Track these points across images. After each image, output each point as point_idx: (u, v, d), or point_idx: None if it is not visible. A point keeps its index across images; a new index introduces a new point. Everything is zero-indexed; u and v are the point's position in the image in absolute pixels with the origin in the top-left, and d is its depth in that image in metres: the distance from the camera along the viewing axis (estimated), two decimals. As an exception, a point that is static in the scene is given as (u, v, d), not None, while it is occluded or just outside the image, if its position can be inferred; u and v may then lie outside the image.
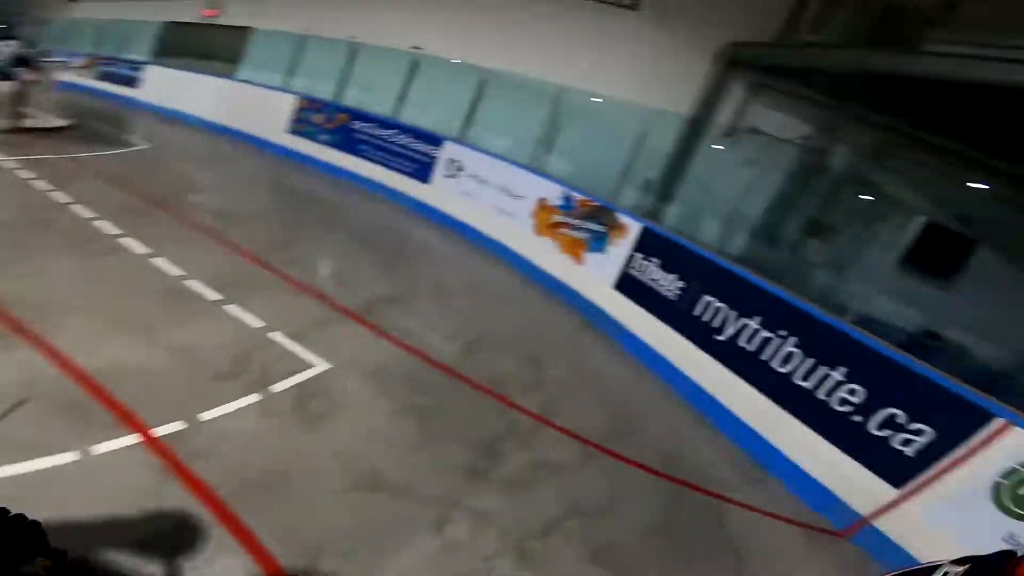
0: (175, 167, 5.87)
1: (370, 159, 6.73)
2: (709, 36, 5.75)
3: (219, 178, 5.95)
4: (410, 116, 6.93)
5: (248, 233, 4.09)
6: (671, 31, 6.11)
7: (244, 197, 5.45)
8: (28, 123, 5.85)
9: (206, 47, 9.74)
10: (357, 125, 6.85)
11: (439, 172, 6.25)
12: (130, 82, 10.00)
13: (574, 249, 4.90)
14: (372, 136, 6.72)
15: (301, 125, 7.28)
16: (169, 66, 9.66)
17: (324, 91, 7.61)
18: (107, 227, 3.46)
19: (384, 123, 6.75)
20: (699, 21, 5.91)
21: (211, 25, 10.03)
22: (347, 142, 6.88)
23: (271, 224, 4.72)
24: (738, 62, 5.57)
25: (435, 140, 6.34)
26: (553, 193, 5.17)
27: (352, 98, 7.47)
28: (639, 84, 6.06)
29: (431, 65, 7.12)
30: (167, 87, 9.31)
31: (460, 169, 6.09)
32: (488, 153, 5.92)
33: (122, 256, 3.14)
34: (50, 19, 14.67)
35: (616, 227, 4.53)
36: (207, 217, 4.23)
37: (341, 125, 6.93)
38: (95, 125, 6.82)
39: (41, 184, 4.02)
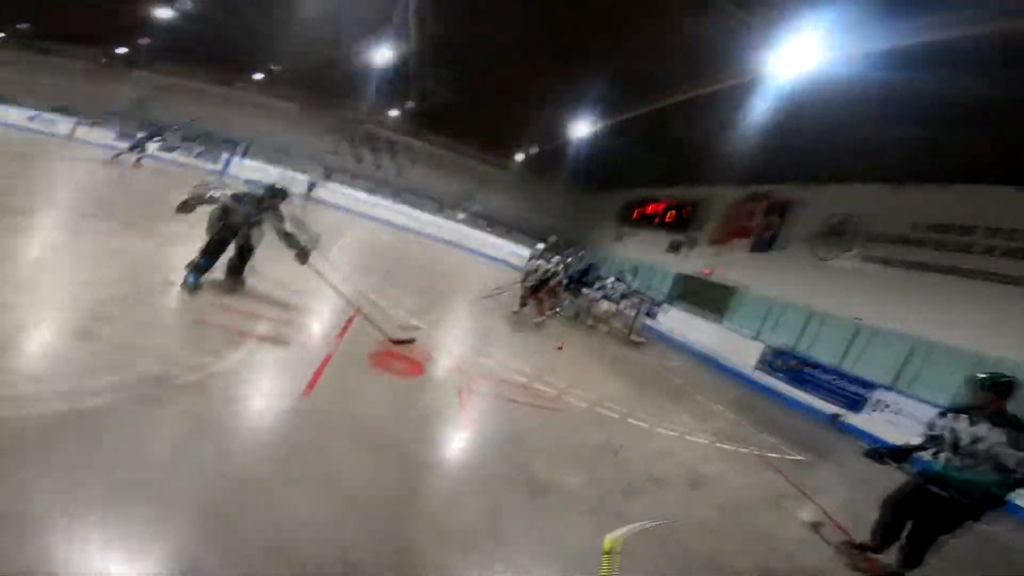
0: (686, 380, 11.24)
1: (813, 393, 10.32)
2: None
3: (709, 387, 10.91)
4: (850, 367, 10.26)
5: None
6: None
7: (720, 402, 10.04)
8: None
9: (704, 297, 16.19)
10: (806, 369, 10.70)
11: (868, 407, 9.19)
12: (653, 315, 17.47)
13: None
14: (815, 378, 10.38)
15: (767, 364, 11.73)
16: (678, 307, 16.55)
17: (785, 341, 11.98)
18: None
19: (829, 370, 10.32)
20: None
21: (709, 282, 16.59)
22: (798, 378, 10.78)
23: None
24: None
25: (869, 385, 9.40)
26: None
27: (804, 348, 11.49)
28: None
29: (872, 333, 10.39)
30: (676, 321, 15.96)
31: (885, 406, 8.89)
32: (913, 397, 8.49)
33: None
34: (598, 249, 25.15)
35: None
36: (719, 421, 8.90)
37: (795, 368, 10.95)
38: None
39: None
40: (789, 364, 11.15)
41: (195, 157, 22.17)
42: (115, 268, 4.86)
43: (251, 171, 22.06)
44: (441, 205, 26.52)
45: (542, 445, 4.09)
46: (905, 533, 3.56)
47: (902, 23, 6.59)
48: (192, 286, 4.69)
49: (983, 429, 3.31)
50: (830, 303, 11.88)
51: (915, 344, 9.51)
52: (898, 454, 3.67)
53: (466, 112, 20.10)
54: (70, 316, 3.49)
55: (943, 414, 3.63)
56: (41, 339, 3.09)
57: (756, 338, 12.71)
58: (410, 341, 5.16)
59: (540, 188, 27.11)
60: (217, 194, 4.90)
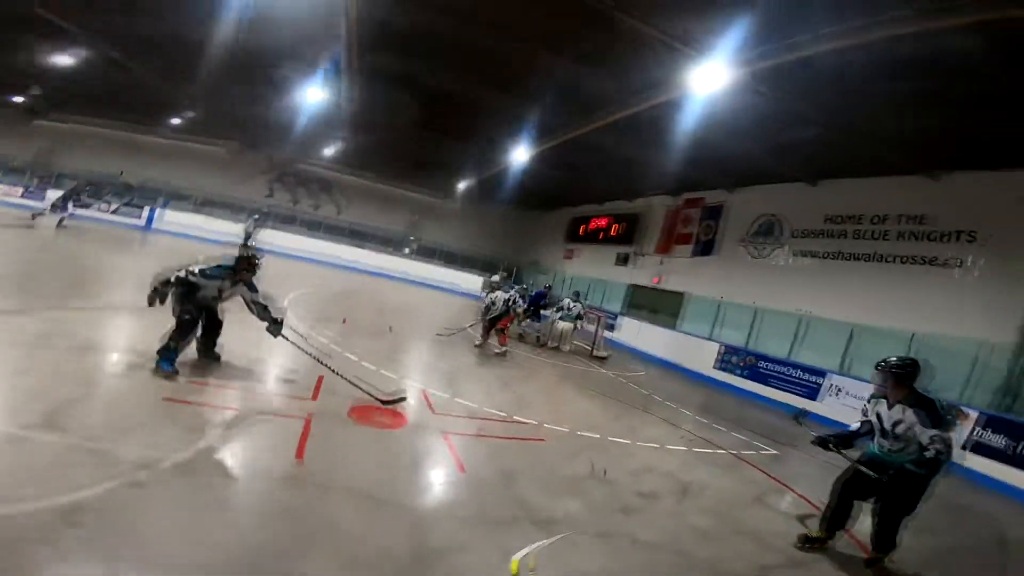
0: (652, 388, 11.62)
1: (772, 386, 10.93)
2: None
3: (675, 395, 11.33)
4: (800, 357, 10.97)
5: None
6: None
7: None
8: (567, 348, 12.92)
9: (656, 305, 16.85)
10: (762, 364, 11.33)
11: (824, 393, 9.82)
12: (612, 327, 17.99)
13: None
14: (773, 372, 11.01)
15: (724, 363, 12.32)
16: (633, 317, 17.12)
17: (738, 340, 12.65)
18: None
19: (782, 362, 10.97)
20: None
21: (659, 289, 17.30)
22: (756, 374, 11.38)
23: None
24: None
25: (820, 372, 10.06)
26: None
27: (758, 345, 12.17)
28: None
29: (815, 321, 11.16)
30: (633, 331, 16.50)
31: (839, 391, 9.54)
32: (859, 378, 9.17)
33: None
34: (548, 269, 25.77)
35: (961, 415, 7.43)
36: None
37: (751, 364, 11.57)
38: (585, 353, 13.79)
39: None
40: (745, 360, 11.77)
41: (115, 213, 20.91)
42: (69, 350, 4.58)
43: (182, 223, 21.18)
44: (386, 241, 26.31)
45: (534, 477, 4.16)
46: (874, 520, 3.67)
47: (796, 39, 7.35)
48: (170, 372, 4.40)
49: (899, 411, 3.50)
50: (772, 298, 12.72)
51: (855, 328, 10.31)
52: (842, 441, 3.84)
53: (403, 145, 20.21)
54: (34, 408, 3.30)
55: (870, 400, 3.78)
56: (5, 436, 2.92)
57: (710, 339, 13.33)
58: (401, 399, 5.11)
59: (485, 214, 27.44)
60: (183, 273, 4.61)
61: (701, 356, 13.00)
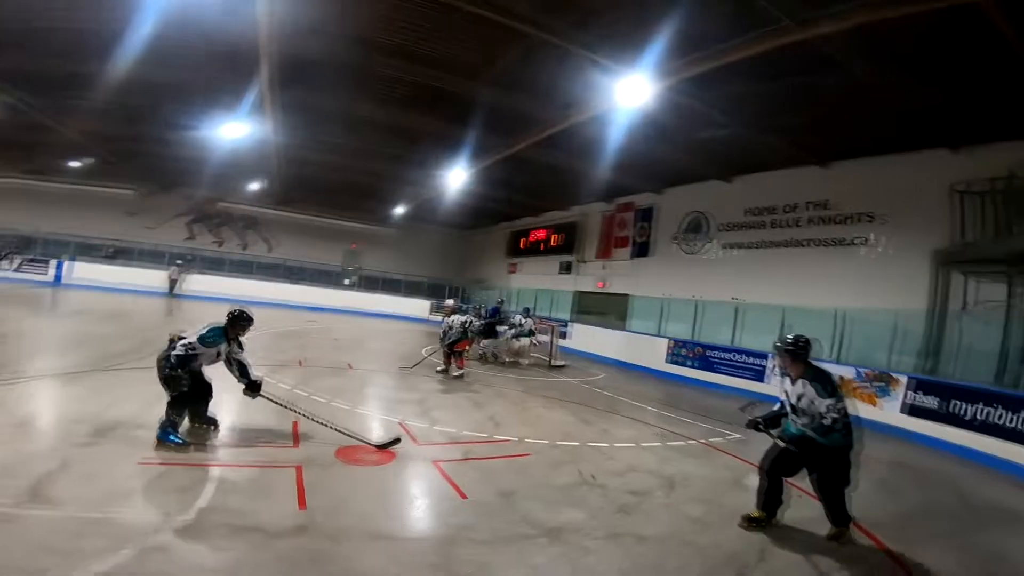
0: (614, 390, 12.07)
1: (721, 373, 11.68)
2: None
3: (636, 393, 11.83)
4: (742, 342, 11.81)
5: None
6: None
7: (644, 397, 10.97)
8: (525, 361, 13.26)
9: (604, 308, 17.50)
10: (709, 353, 12.08)
11: (771, 375, 10.63)
12: (564, 336, 18.44)
13: (871, 399, 8.41)
14: (721, 359, 11.78)
15: (675, 357, 13.01)
16: (584, 323, 17.67)
17: (684, 333, 13.41)
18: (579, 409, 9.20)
19: (727, 349, 11.76)
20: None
21: (604, 293, 17.97)
22: (706, 363, 12.12)
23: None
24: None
25: (763, 355, 10.89)
26: (849, 371, 8.95)
27: (704, 336, 12.97)
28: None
29: (749, 308, 12.07)
30: (585, 337, 17.01)
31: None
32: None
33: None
34: (494, 286, 25.95)
35: (893, 381, 8.07)
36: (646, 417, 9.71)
37: (700, 355, 12.31)
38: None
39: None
40: (694, 352, 12.50)
41: (17, 270, 19.04)
42: (18, 426, 4.31)
43: (94, 276, 19.59)
44: (325, 275, 25.58)
45: (530, 492, 4.30)
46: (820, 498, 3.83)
47: (704, 52, 8.09)
48: (180, 443, 4.25)
49: (800, 386, 3.74)
50: (709, 290, 13.61)
51: (786, 310, 11.25)
52: (770, 422, 4.00)
53: (332, 175, 19.85)
54: (13, 485, 3.19)
55: (781, 377, 4.00)
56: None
57: (659, 335, 14.03)
58: (396, 442, 5.07)
59: (424, 238, 27.38)
60: (182, 350, 4.36)
61: (653, 352, 13.65)
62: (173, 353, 4.33)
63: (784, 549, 3.64)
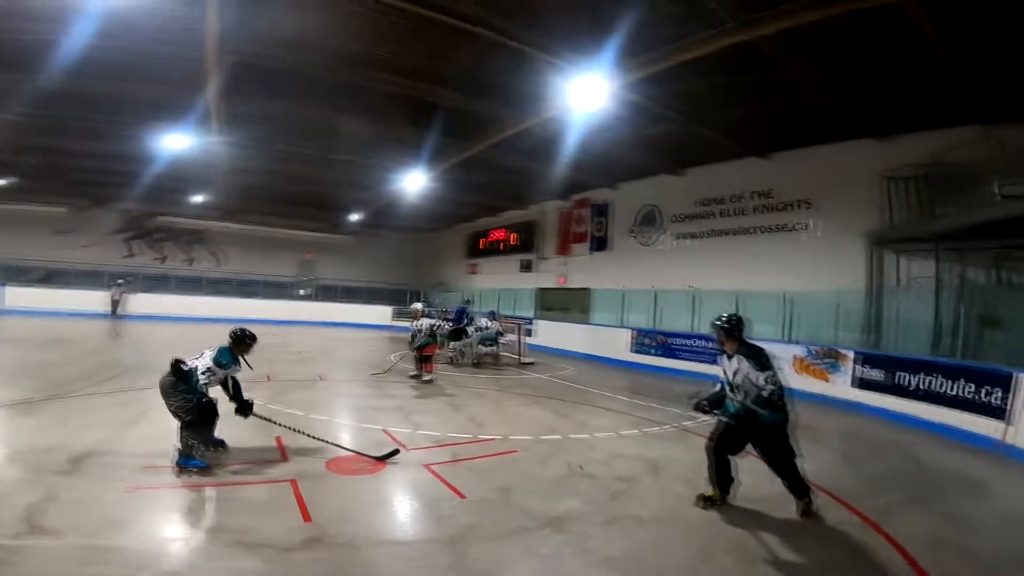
0: (583, 383, 12.37)
1: (683, 359, 12.20)
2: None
3: (605, 384, 12.17)
4: (700, 328, 12.38)
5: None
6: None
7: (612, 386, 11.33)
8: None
9: (566, 304, 17.84)
10: (671, 341, 12.59)
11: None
12: (530, 333, 18.62)
13: (822, 375, 9.02)
14: (682, 346, 12.30)
15: (638, 346, 13.47)
16: (548, 319, 17.94)
17: (645, 323, 13.89)
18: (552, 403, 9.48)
19: (687, 335, 12.30)
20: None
21: (566, 289, 18.32)
22: (668, 351, 12.62)
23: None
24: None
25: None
26: (800, 350, 9.55)
27: (663, 324, 13.49)
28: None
29: (704, 295, 12.66)
30: (550, 332, 17.29)
31: None
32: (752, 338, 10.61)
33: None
34: (455, 288, 25.67)
35: (841, 356, 8.69)
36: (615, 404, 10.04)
37: (662, 343, 12.80)
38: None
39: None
40: (655, 340, 12.98)
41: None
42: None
43: (28, 301, 18.23)
44: (279, 286, 24.78)
45: (525, 487, 4.43)
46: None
47: (656, 53, 8.45)
48: (204, 467, 4.22)
49: (736, 362, 3.88)
50: (666, 280, 14.16)
51: (738, 295, 11.85)
52: (714, 403, 4.12)
53: (283, 184, 19.27)
54: (5, 518, 3.10)
55: (720, 356, 4.11)
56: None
57: (621, 326, 14.47)
58: (395, 453, 5.03)
59: (381, 244, 27.00)
60: (205, 379, 4.34)
61: (616, 343, 14.08)
62: (202, 383, 4.28)
63: (779, 514, 3.91)
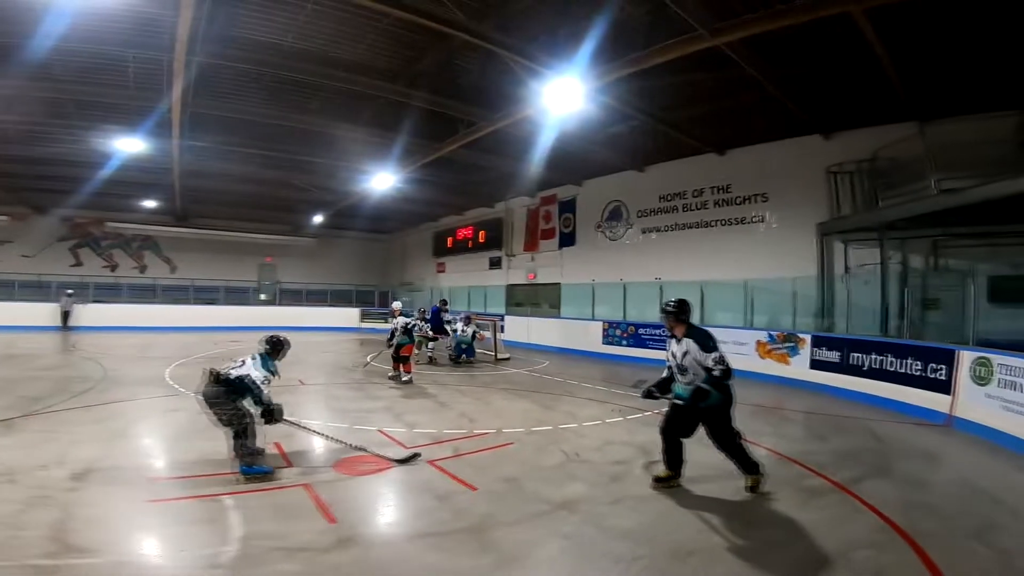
0: (561, 375, 12.70)
1: (653, 348, 12.71)
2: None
3: (583, 375, 12.53)
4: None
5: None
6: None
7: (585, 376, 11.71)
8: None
9: (537, 299, 18.14)
10: (640, 331, 13.09)
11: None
12: (504, 330, 18.82)
13: (783, 359, 9.66)
14: (651, 335, 12.81)
15: (609, 338, 13.91)
16: (519, 315, 18.21)
17: (615, 315, 14.36)
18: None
19: (656, 326, 12.81)
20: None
21: (536, 284, 18.62)
22: (638, 341, 13.11)
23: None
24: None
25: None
26: (763, 336, 10.17)
27: (632, 316, 13.98)
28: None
29: (671, 286, 13.21)
30: (522, 328, 17.56)
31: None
32: (718, 326, 11.20)
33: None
34: (422, 288, 25.06)
35: (800, 340, 9.29)
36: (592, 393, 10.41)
37: (632, 333, 13.28)
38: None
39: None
40: (626, 331, 13.46)
41: None
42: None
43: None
44: (240, 292, 23.99)
45: (531, 475, 4.66)
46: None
47: (627, 57, 8.79)
48: (268, 472, 4.32)
49: (684, 345, 4.04)
50: (633, 272, 14.68)
51: (703, 285, 12.46)
52: (662, 388, 4.28)
53: (241, 187, 18.69)
54: (31, 538, 3.05)
55: (668, 340, 4.27)
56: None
57: (592, 319, 14.90)
58: (416, 456, 5.06)
59: (345, 245, 26.52)
60: (264, 383, 4.42)
61: (588, 336, 14.50)
62: (266, 393, 4.37)
63: (770, 485, 4.25)
